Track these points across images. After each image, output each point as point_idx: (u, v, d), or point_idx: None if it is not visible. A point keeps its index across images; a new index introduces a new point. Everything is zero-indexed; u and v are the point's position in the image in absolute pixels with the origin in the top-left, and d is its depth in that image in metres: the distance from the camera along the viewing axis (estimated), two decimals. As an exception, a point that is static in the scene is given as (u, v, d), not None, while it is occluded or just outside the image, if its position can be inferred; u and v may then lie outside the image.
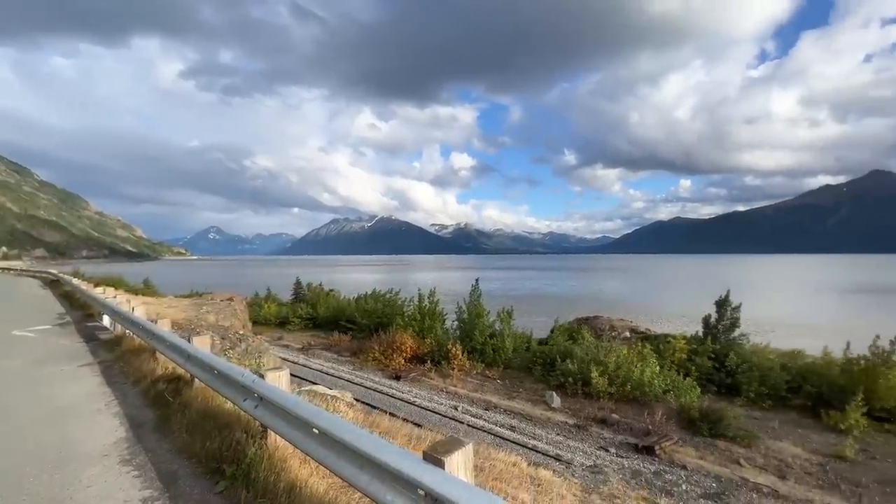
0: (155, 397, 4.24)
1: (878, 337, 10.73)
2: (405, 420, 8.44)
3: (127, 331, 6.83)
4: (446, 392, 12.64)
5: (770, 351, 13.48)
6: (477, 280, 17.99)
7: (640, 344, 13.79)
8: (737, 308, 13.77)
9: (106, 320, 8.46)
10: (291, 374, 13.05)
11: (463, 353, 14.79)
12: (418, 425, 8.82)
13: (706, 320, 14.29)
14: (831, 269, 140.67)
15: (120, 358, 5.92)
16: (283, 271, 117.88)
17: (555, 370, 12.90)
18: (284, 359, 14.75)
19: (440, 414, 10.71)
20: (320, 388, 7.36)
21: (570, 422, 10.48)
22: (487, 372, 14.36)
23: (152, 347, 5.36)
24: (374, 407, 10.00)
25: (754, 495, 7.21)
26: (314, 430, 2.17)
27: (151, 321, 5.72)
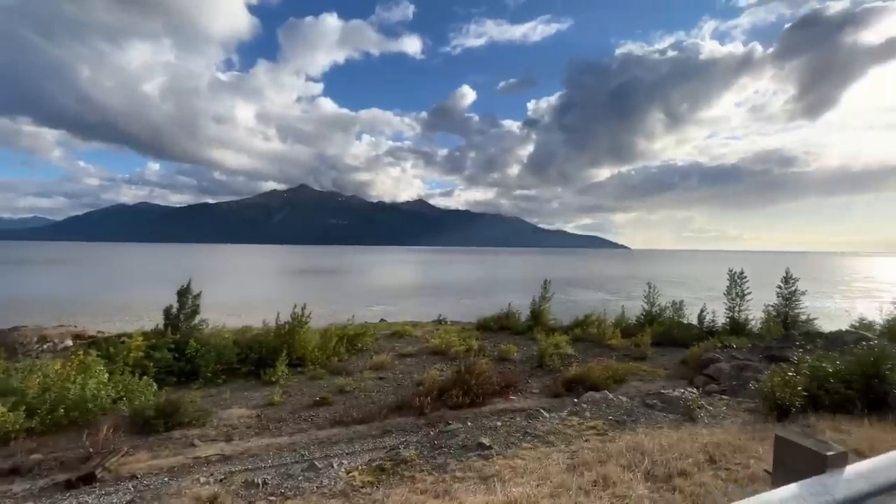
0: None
1: (295, 306, 14.64)
2: None
3: None
4: None
5: (227, 330, 15.05)
6: None
7: (83, 352, 11.22)
8: (198, 296, 14.29)
9: None
10: None
11: None
12: None
13: (167, 311, 13.87)
14: (277, 257, 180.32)
15: None
16: None
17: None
18: None
19: None
20: None
21: (-55, 498, 6.81)
22: None
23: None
24: None
25: (204, 468, 7.67)
26: None
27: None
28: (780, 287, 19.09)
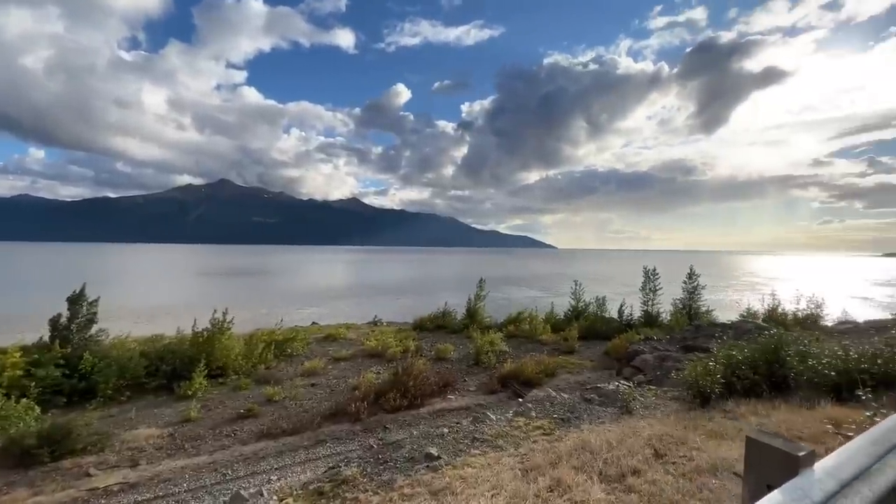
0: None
1: (215, 311, 13.37)
2: None
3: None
4: None
5: (132, 340, 13.33)
6: None
7: (-64, 374, 9.27)
8: (94, 302, 12.49)
9: None
10: None
11: None
12: None
13: (54, 321, 11.94)
14: (194, 257, 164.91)
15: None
16: None
17: None
18: None
19: None
20: None
21: None
22: None
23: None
24: None
25: (102, 500, 6.66)
26: None
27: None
28: (684, 283, 21.25)
